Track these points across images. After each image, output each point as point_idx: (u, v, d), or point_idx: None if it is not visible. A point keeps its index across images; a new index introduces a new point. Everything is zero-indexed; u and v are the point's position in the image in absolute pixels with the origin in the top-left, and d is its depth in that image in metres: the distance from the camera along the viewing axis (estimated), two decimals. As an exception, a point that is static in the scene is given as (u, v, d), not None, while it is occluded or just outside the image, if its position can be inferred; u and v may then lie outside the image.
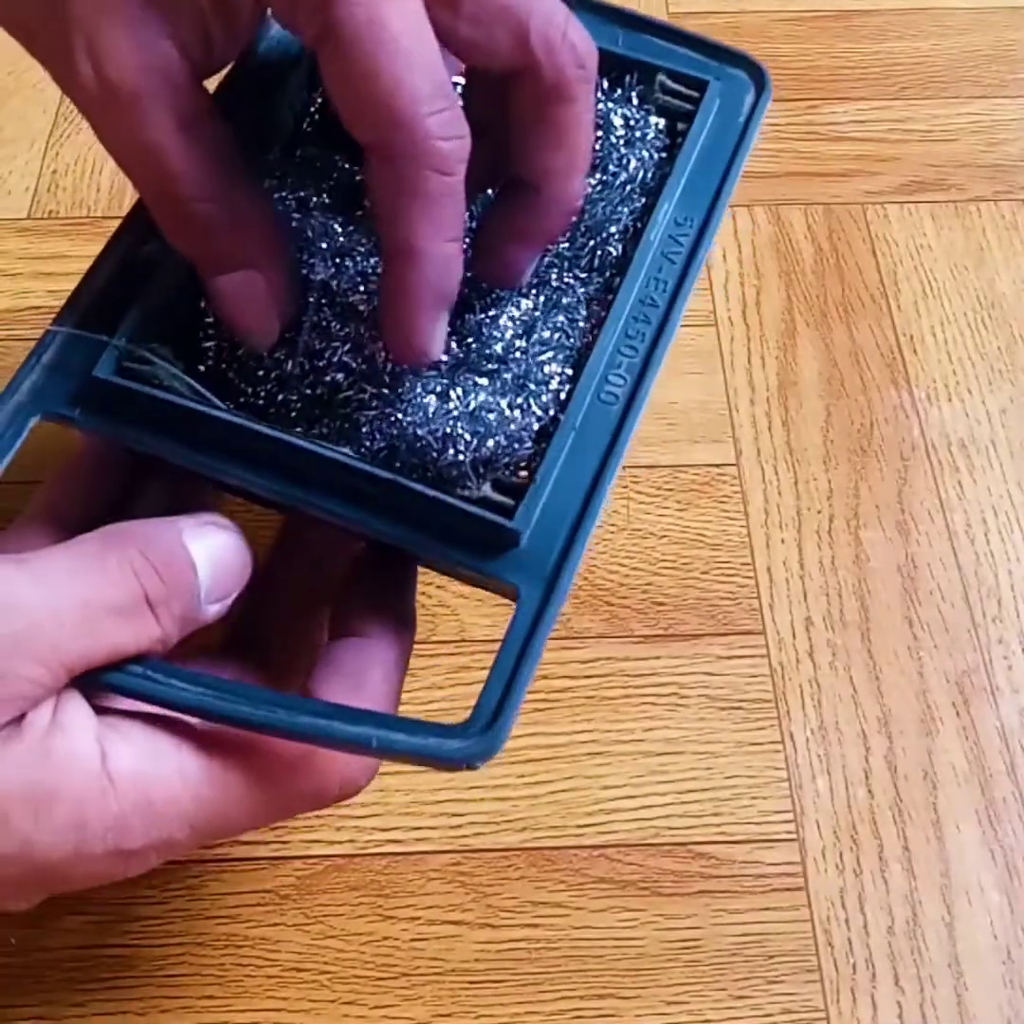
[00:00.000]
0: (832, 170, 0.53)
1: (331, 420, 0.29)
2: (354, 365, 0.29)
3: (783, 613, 0.40)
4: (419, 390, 0.29)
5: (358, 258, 0.30)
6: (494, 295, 0.31)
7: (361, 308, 0.30)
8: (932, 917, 0.35)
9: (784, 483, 0.43)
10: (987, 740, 0.38)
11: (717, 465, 0.44)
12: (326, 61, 0.25)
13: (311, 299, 0.30)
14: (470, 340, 0.30)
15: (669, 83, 0.35)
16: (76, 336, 0.30)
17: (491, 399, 0.29)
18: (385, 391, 0.29)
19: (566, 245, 0.32)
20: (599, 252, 0.32)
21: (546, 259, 0.32)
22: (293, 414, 0.29)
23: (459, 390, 0.29)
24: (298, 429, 0.29)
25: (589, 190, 0.32)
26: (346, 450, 0.28)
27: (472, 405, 0.28)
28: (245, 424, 0.28)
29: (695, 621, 0.40)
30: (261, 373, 0.29)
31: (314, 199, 0.31)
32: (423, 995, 0.33)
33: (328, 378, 0.29)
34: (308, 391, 0.29)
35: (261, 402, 0.29)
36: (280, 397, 0.29)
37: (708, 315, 0.48)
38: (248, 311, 0.28)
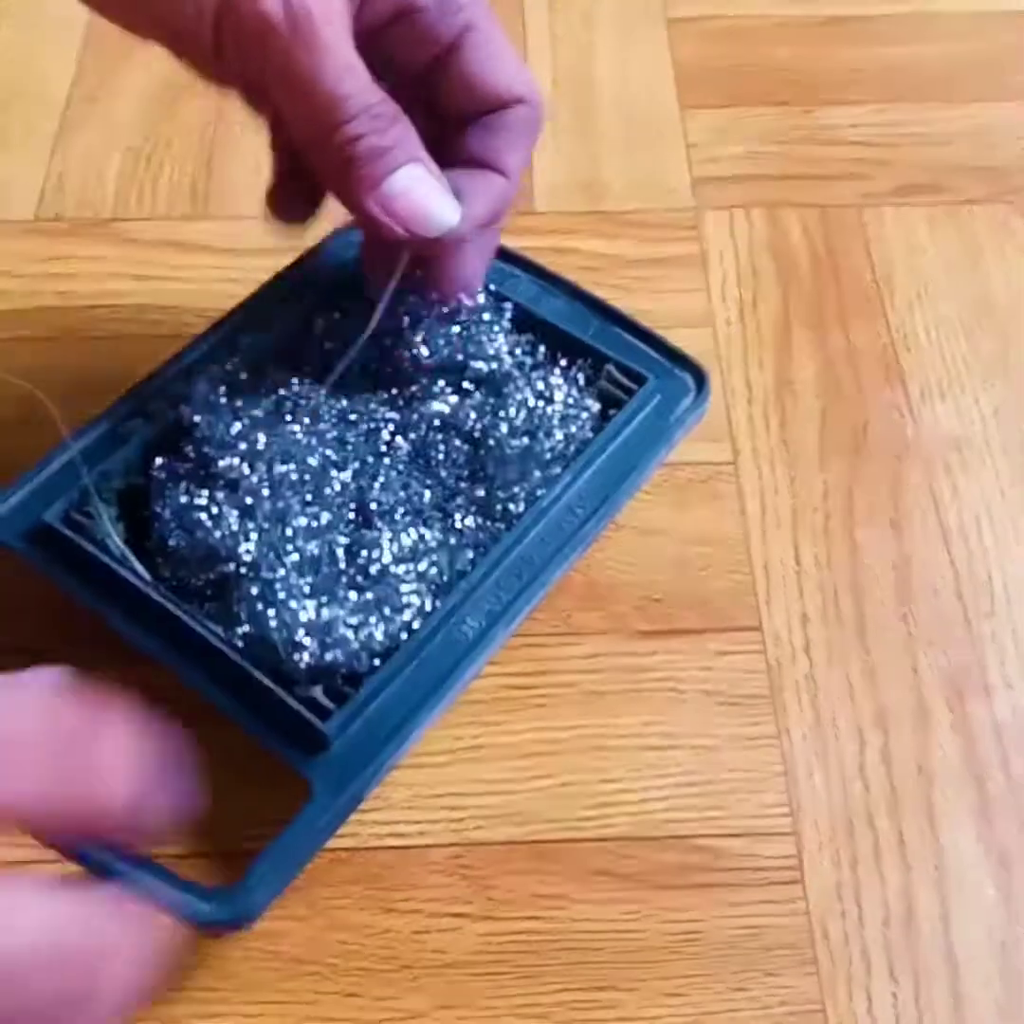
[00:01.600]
0: (828, 173, 0.53)
1: (220, 603, 0.33)
2: (250, 558, 0.33)
3: (779, 609, 0.41)
4: (288, 593, 0.32)
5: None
6: (396, 517, 0.34)
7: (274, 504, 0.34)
8: (927, 911, 0.35)
9: (781, 482, 0.44)
10: (981, 735, 0.38)
11: (715, 463, 0.44)
12: (471, 46, 0.33)
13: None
14: (358, 554, 0.34)
15: (615, 373, 0.39)
16: (54, 472, 0.36)
17: (347, 616, 0.32)
18: (260, 588, 0.33)
19: (481, 492, 0.36)
20: (504, 506, 0.36)
21: (457, 499, 0.35)
22: (192, 591, 0.34)
23: (323, 599, 0.32)
24: (190, 604, 0.33)
25: (515, 449, 0.36)
26: (217, 628, 0.32)
27: (326, 617, 0.32)
28: (132, 581, 0.33)
29: (693, 617, 0.40)
30: (172, 552, 0.34)
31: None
32: (425, 987, 0.34)
33: (229, 567, 0.33)
34: (209, 576, 0.34)
35: (169, 579, 0.34)
36: (182, 575, 0.34)
37: (705, 316, 0.48)
38: (431, 196, 0.32)
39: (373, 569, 0.33)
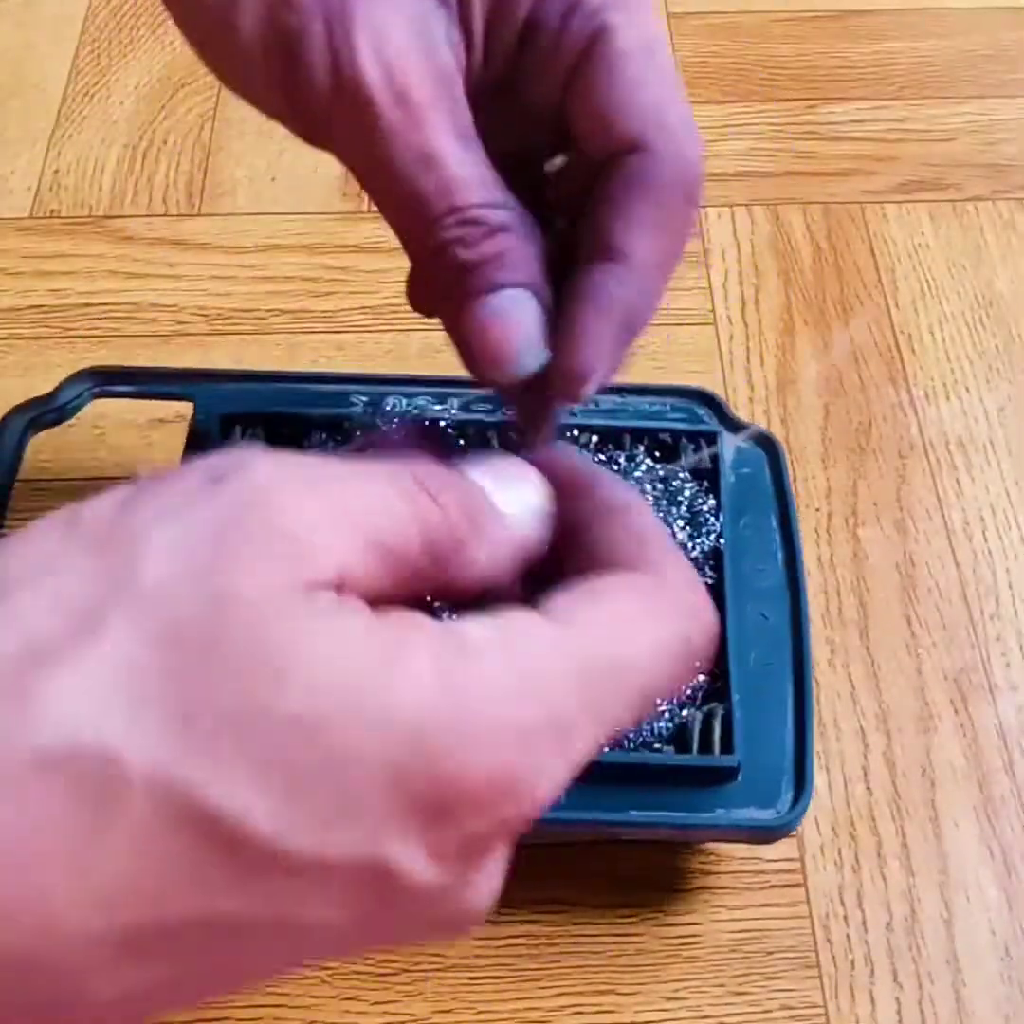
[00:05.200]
0: (831, 169, 0.53)
1: None
2: None
3: (782, 611, 0.40)
4: None
5: None
6: None
7: None
8: (930, 914, 0.35)
9: (783, 481, 0.43)
10: (985, 737, 0.38)
11: (716, 463, 0.44)
12: (596, 60, 0.25)
13: None
14: None
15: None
16: None
17: None
18: None
19: None
20: None
21: None
22: None
23: None
24: None
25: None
26: None
27: None
28: None
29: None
30: None
31: None
32: (424, 991, 0.33)
33: None
34: None
35: None
36: None
37: (707, 314, 0.48)
38: (517, 333, 0.24)
39: None
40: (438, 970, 0.34)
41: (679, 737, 0.33)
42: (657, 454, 0.38)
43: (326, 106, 0.24)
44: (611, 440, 0.38)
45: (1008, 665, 0.40)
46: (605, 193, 0.25)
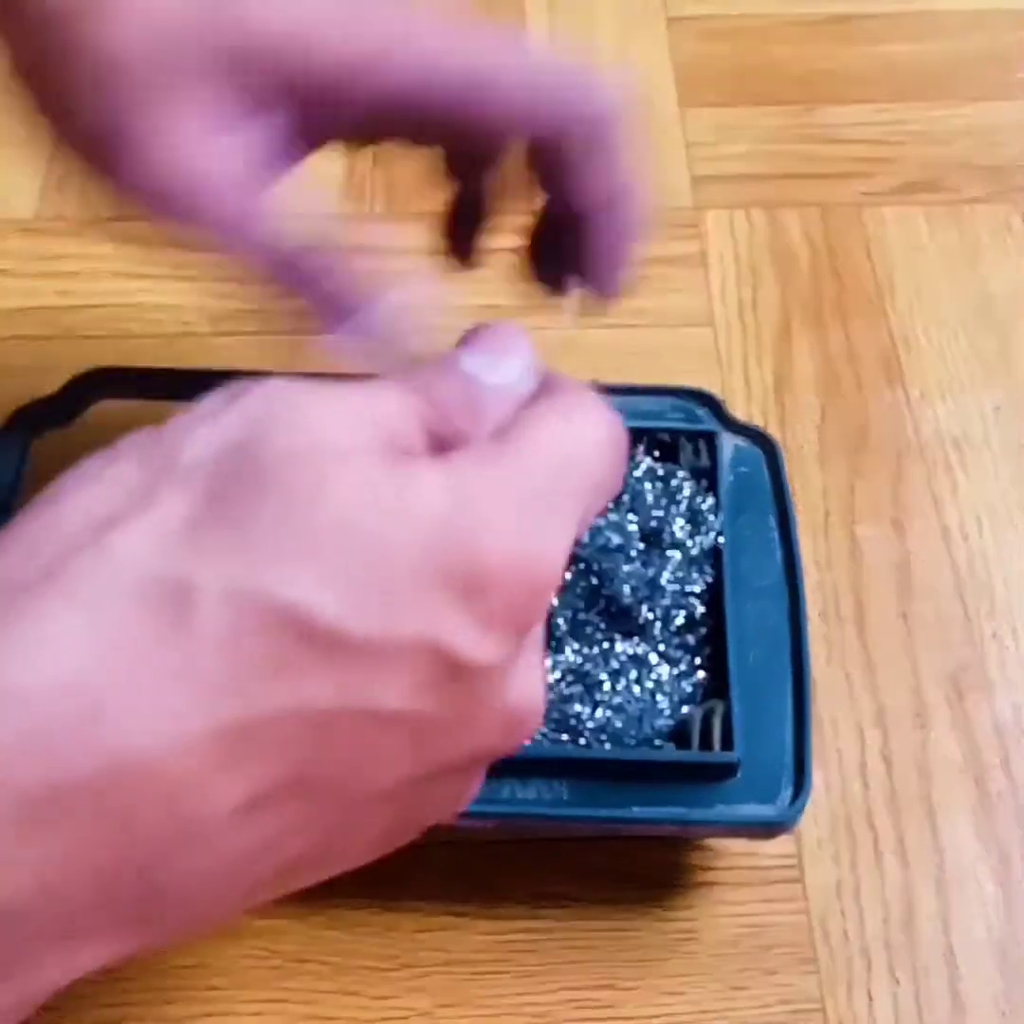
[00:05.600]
0: (828, 172, 0.53)
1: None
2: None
3: (780, 609, 0.41)
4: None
5: None
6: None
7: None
8: (927, 909, 0.35)
9: (781, 481, 0.44)
10: (981, 734, 0.38)
11: (715, 463, 0.44)
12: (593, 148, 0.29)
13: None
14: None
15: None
16: None
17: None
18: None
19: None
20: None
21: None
22: None
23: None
24: None
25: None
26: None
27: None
28: None
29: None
30: None
31: None
32: (425, 985, 0.34)
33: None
34: None
35: None
36: None
37: (705, 315, 0.48)
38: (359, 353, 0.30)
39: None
40: (439, 964, 0.34)
41: (680, 734, 0.33)
42: (656, 453, 0.38)
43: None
44: None
45: (1004, 663, 0.40)
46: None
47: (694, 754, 0.33)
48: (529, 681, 0.23)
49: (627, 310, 0.44)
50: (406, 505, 0.20)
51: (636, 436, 0.38)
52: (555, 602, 0.35)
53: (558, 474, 0.22)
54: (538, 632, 0.23)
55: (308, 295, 0.30)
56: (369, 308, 0.30)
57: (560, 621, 0.35)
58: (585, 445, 0.23)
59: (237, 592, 0.19)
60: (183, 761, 0.18)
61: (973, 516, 0.43)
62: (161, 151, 0.27)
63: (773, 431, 0.45)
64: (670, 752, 0.33)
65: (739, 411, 0.45)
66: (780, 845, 0.36)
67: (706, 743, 0.33)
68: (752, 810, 0.32)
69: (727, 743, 0.33)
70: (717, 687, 0.34)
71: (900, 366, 0.47)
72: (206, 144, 0.28)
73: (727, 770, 0.33)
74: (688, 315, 0.48)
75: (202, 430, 0.21)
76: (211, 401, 0.22)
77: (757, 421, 0.45)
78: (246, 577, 0.19)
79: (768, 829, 0.33)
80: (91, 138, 0.28)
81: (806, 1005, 0.34)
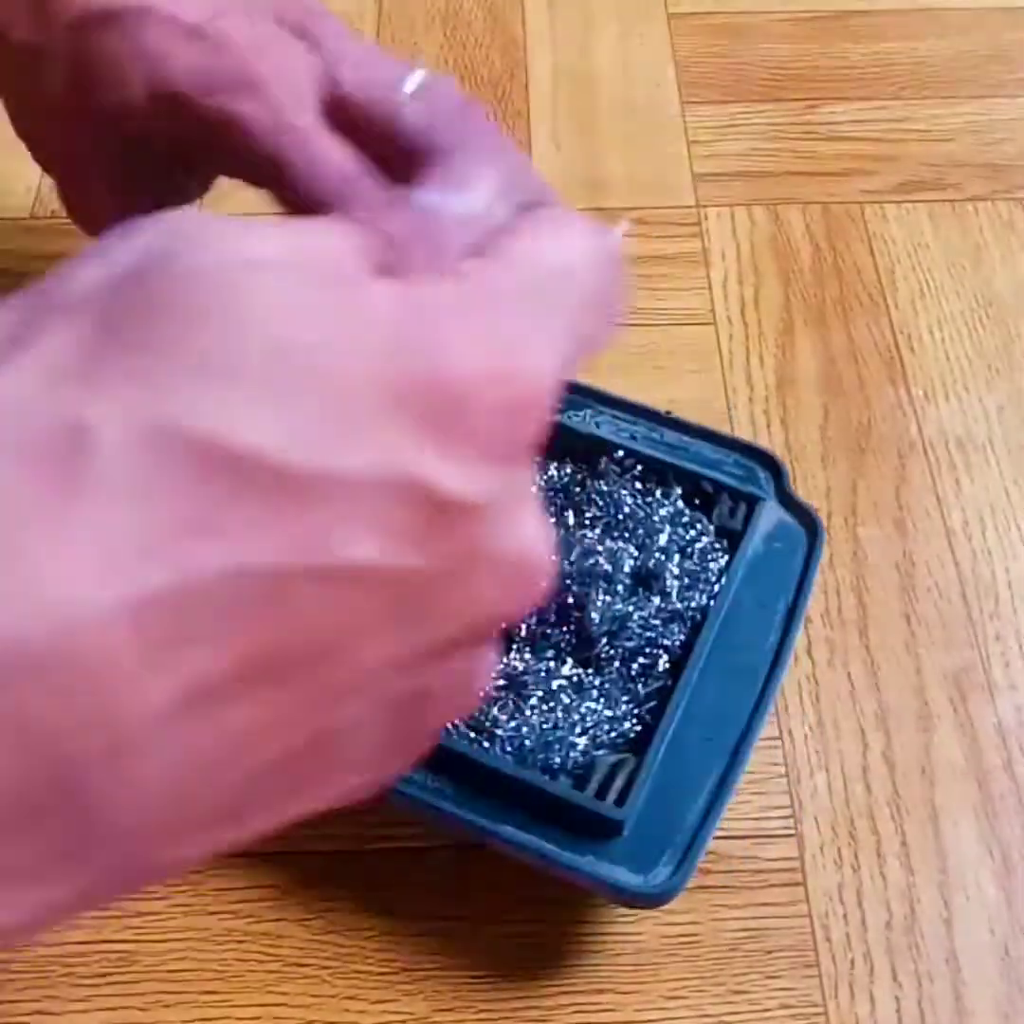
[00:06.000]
0: (830, 169, 0.53)
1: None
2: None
3: (781, 610, 0.40)
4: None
5: None
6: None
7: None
8: (930, 912, 0.35)
9: (782, 481, 0.43)
10: (984, 736, 0.38)
11: (716, 463, 0.44)
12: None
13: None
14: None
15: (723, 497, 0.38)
16: None
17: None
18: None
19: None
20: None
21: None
22: None
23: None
24: None
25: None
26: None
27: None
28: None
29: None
30: None
31: None
32: (424, 990, 0.34)
33: None
34: None
35: None
36: None
37: (707, 314, 0.48)
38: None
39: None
40: (438, 969, 0.34)
41: (583, 776, 0.32)
42: (696, 501, 0.37)
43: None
44: (654, 472, 0.37)
45: (1007, 664, 0.40)
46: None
47: (579, 796, 0.32)
48: (527, 524, 0.19)
49: (628, 308, 0.44)
50: (349, 314, 0.17)
51: (678, 480, 0.37)
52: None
53: (537, 284, 0.19)
54: (529, 472, 0.19)
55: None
56: None
57: (522, 627, 0.35)
58: (570, 254, 0.20)
59: (143, 426, 0.15)
60: (96, 646, 0.14)
61: (976, 516, 0.43)
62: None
63: (775, 431, 0.45)
64: (555, 785, 0.32)
65: (741, 411, 0.45)
66: (782, 848, 0.36)
67: (603, 793, 0.32)
68: (619, 874, 0.31)
69: (622, 800, 0.32)
70: (643, 743, 0.33)
71: (903, 365, 0.47)
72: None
73: (609, 825, 0.31)
74: (690, 313, 0.48)
75: (91, 265, 0.17)
76: (103, 239, 0.18)
77: (759, 421, 0.45)
78: (151, 405, 0.15)
79: (628, 898, 0.31)
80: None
81: (808, 1009, 0.33)
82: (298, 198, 0.28)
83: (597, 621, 0.34)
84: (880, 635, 0.40)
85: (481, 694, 0.20)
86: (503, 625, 0.19)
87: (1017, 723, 0.38)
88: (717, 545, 0.36)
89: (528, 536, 0.19)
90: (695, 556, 0.36)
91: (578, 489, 0.37)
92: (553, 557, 0.19)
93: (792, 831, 0.36)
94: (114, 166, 0.32)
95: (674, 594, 0.35)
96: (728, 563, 0.36)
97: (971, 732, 0.38)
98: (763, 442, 0.44)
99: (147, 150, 0.31)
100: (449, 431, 0.17)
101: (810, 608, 0.38)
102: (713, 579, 0.35)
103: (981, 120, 0.55)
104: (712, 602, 0.35)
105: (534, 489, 0.20)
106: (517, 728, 0.33)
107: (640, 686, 0.34)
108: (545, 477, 0.38)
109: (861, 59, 0.58)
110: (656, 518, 0.36)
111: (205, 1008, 0.33)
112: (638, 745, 0.33)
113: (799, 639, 0.37)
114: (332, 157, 0.28)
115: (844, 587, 0.41)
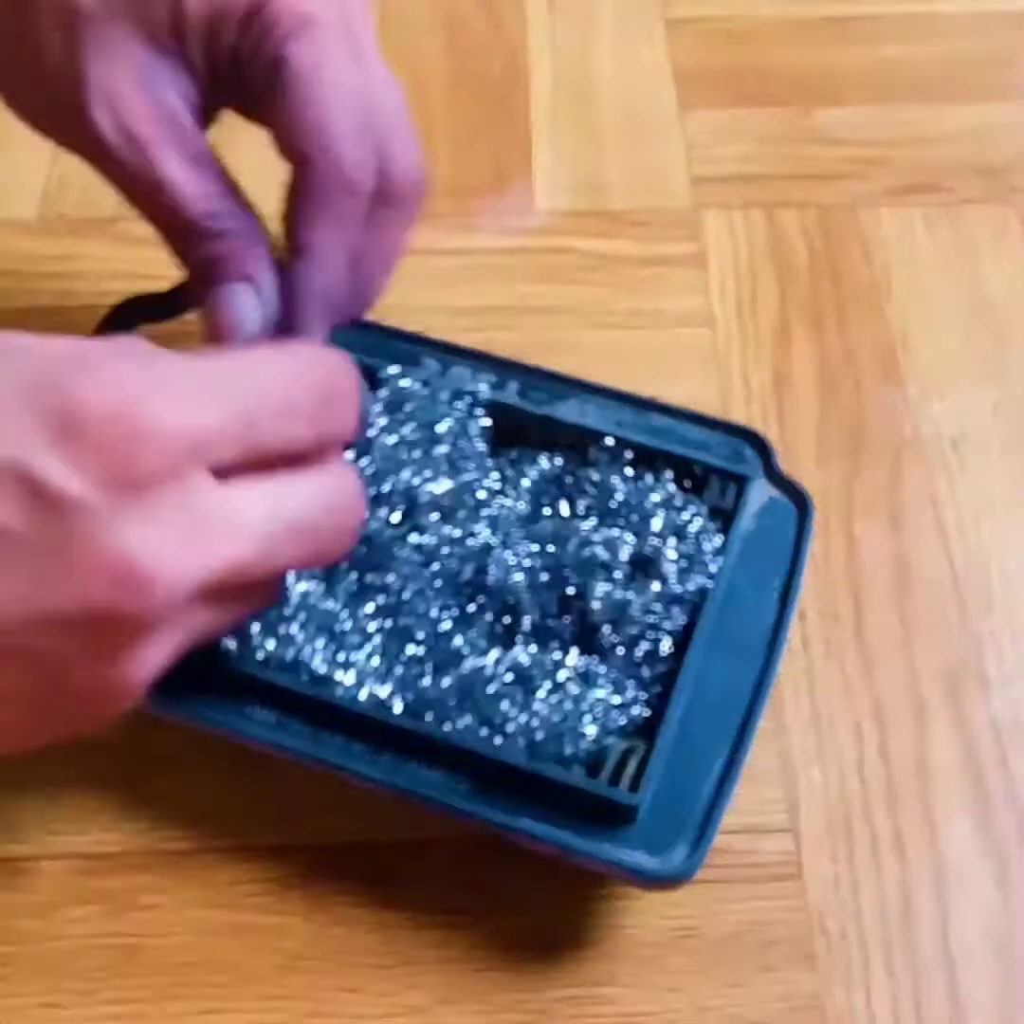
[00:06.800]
0: (825, 172, 0.54)
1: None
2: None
3: (778, 607, 0.41)
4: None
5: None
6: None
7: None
8: (925, 906, 0.35)
9: (779, 480, 0.44)
10: (978, 731, 0.38)
11: (713, 462, 0.44)
12: (274, 93, 0.31)
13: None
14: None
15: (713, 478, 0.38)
16: None
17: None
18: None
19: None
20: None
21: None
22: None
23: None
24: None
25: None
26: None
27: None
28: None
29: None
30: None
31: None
32: (426, 982, 0.34)
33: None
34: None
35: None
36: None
37: (704, 315, 0.48)
38: (233, 317, 0.32)
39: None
40: (441, 961, 0.34)
41: (597, 763, 0.33)
42: (687, 484, 0.37)
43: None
44: (644, 458, 0.38)
45: (1001, 660, 0.40)
46: (293, 197, 0.32)
47: (594, 784, 0.32)
48: (146, 534, 0.23)
49: (626, 310, 0.45)
50: (16, 346, 0.23)
51: (667, 464, 0.37)
52: (526, 599, 0.35)
53: (220, 373, 0.24)
54: (176, 497, 0.23)
55: (221, 247, 0.32)
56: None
57: (526, 621, 0.35)
58: (267, 364, 0.25)
59: None
60: None
61: (971, 514, 0.43)
62: (113, 102, 0.31)
63: (771, 429, 0.45)
64: (570, 775, 0.32)
65: (737, 410, 0.46)
66: (779, 842, 0.36)
67: (617, 780, 0.32)
68: (638, 857, 0.31)
69: (636, 785, 0.32)
70: (651, 728, 0.33)
71: (898, 365, 0.47)
72: (142, 94, 0.31)
73: (624, 810, 0.32)
74: (687, 315, 0.48)
75: None
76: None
77: (756, 420, 0.45)
78: None
79: (649, 881, 0.32)
80: (56, 87, 0.31)
81: (805, 1001, 0.34)
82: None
83: (599, 610, 0.35)
84: (875, 632, 0.40)
85: (128, 699, 0.24)
86: (126, 635, 0.23)
87: (1011, 718, 0.39)
88: (710, 526, 0.37)
89: (144, 541, 0.23)
90: (690, 538, 0.36)
91: (570, 479, 0.38)
92: (164, 574, 0.23)
93: (788, 825, 0.36)
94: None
95: (672, 577, 0.35)
96: (723, 543, 0.36)
97: (966, 728, 0.38)
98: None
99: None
100: (70, 440, 0.22)
101: (806, 604, 0.38)
102: (709, 560, 0.36)
103: (975, 124, 0.55)
104: (710, 582, 0.35)
105: (183, 515, 0.23)
106: (527, 721, 0.33)
107: (645, 671, 0.35)
108: (537, 468, 0.38)
109: (856, 63, 0.58)
110: (649, 503, 0.37)
111: (210, 1000, 0.33)
112: (647, 730, 0.33)
113: (794, 629, 0.38)
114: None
115: (839, 584, 0.41)
